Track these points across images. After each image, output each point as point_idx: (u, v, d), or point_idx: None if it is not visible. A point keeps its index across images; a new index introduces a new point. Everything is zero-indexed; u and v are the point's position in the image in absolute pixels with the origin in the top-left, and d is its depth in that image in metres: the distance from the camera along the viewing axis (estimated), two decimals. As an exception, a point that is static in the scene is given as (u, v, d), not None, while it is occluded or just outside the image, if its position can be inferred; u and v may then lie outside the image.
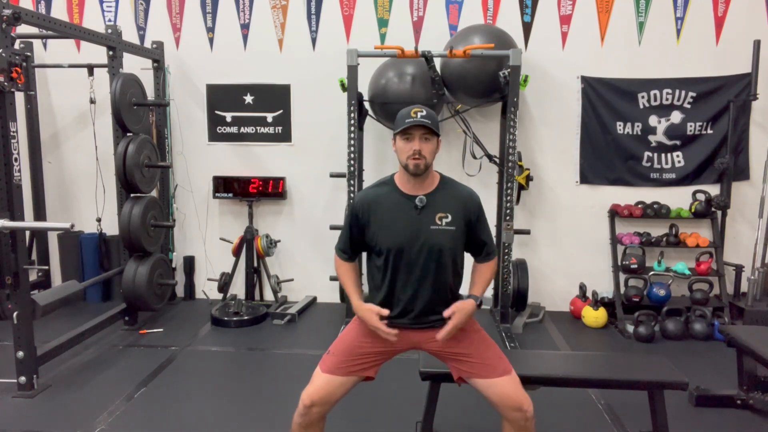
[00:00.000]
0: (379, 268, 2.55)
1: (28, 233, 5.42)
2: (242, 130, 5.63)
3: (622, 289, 5.28)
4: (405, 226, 2.48)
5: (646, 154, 5.39)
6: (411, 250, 2.47)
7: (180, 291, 5.90)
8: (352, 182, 4.80)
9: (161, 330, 4.94)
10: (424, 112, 2.44)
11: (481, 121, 5.43)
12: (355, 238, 2.62)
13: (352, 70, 4.65)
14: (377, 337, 2.53)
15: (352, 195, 4.78)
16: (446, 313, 2.48)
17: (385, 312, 2.50)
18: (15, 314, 3.68)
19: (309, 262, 5.77)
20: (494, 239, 2.78)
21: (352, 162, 4.77)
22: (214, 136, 5.66)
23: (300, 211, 5.72)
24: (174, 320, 5.23)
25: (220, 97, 5.61)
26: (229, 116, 5.63)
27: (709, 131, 5.32)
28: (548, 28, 5.33)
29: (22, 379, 3.74)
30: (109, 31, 4.78)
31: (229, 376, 4.14)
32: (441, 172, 2.61)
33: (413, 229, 2.47)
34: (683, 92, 5.27)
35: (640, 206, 5.37)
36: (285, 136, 5.61)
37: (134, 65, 5.24)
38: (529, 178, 5.16)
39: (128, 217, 4.74)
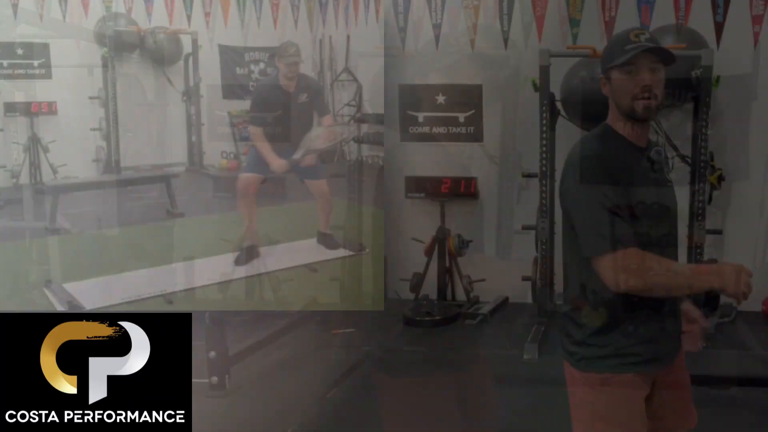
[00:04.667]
0: None
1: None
2: (434, 130, 5.68)
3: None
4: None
5: None
6: (658, 224, 1.85)
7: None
8: (544, 182, 4.72)
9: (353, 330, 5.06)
10: (647, 35, 1.83)
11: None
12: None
13: (544, 71, 4.58)
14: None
15: (544, 195, 4.69)
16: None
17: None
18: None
19: (500, 262, 5.72)
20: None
21: (544, 162, 4.69)
22: (406, 136, 5.77)
23: (490, 211, 5.69)
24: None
25: (412, 98, 5.68)
26: (420, 116, 5.71)
27: None
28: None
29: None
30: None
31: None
32: None
33: (658, 193, 1.88)
34: None
35: None
36: (476, 136, 5.58)
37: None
38: (721, 178, 4.93)
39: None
